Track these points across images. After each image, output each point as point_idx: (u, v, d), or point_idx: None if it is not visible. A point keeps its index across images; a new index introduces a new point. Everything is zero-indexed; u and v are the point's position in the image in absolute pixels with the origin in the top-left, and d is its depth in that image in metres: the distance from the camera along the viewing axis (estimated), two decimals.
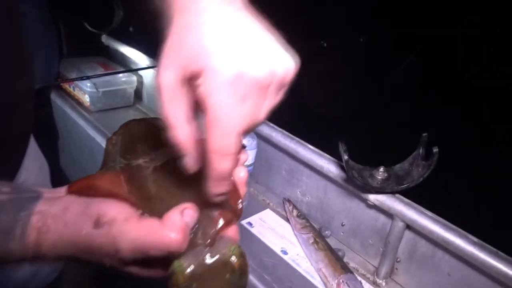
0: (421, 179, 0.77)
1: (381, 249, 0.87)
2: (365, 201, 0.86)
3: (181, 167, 0.37)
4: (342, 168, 0.88)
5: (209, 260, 0.36)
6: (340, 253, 0.91)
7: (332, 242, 0.94)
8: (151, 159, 0.43)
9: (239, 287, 0.37)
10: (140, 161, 0.42)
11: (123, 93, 1.53)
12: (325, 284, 0.84)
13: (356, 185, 0.84)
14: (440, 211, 0.77)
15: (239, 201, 0.41)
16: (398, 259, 0.85)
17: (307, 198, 1.03)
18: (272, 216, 1.04)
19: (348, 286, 0.80)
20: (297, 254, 0.92)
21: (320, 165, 0.93)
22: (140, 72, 1.54)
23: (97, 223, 0.35)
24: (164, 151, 0.43)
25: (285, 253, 0.92)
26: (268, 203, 1.08)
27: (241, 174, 0.42)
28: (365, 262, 0.92)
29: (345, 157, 0.78)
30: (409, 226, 0.80)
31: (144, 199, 0.39)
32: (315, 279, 0.86)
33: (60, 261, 0.38)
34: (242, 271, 0.37)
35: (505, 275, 0.66)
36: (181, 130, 0.36)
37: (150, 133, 0.45)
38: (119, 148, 0.44)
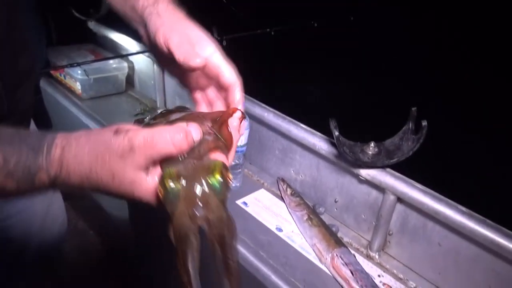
0: (411, 153, 0.79)
1: (373, 223, 0.89)
2: (357, 176, 0.88)
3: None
4: (333, 145, 0.89)
5: (193, 168, 0.41)
6: (334, 229, 0.93)
7: (326, 218, 0.96)
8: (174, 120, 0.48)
9: (220, 193, 0.40)
10: (164, 121, 0.48)
11: (115, 80, 1.52)
12: (319, 259, 0.86)
13: (348, 160, 0.85)
14: (430, 184, 0.79)
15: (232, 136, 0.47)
16: (390, 232, 0.87)
17: (300, 177, 1.04)
18: (266, 195, 1.05)
19: (342, 259, 0.82)
20: (292, 231, 0.94)
21: (312, 143, 0.94)
22: (131, 58, 1.53)
23: (116, 132, 0.41)
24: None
25: (280, 230, 0.94)
26: (263, 183, 1.10)
27: (234, 124, 0.48)
28: (358, 237, 0.94)
29: (336, 133, 0.79)
30: (400, 199, 0.82)
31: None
32: (310, 254, 0.88)
33: (80, 181, 0.41)
34: (223, 178, 0.40)
35: (492, 241, 0.68)
36: None
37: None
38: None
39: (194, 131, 0.43)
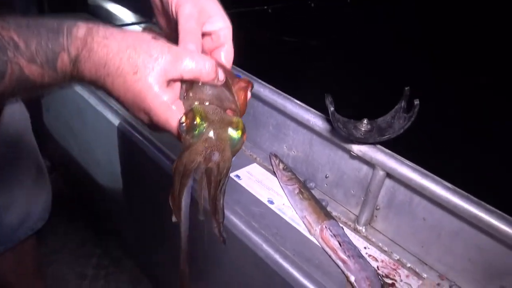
0: (402, 130, 0.81)
1: (362, 198, 0.92)
2: (348, 152, 0.90)
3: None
4: (327, 121, 0.92)
5: (220, 116, 0.44)
6: (323, 203, 0.96)
7: (316, 193, 0.99)
8: None
9: (235, 146, 0.44)
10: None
11: None
12: (309, 230, 0.89)
13: (341, 136, 0.88)
14: (418, 161, 0.82)
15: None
16: (378, 207, 0.90)
17: (293, 153, 1.06)
18: (259, 170, 1.07)
19: (331, 231, 0.85)
20: (283, 204, 0.97)
21: (306, 119, 0.96)
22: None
23: (155, 38, 0.42)
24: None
25: (271, 202, 0.96)
26: (255, 158, 1.12)
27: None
28: (347, 211, 0.97)
29: (331, 108, 0.81)
30: (389, 175, 0.85)
31: None
32: (300, 226, 0.91)
33: (97, 64, 0.41)
34: (242, 135, 0.44)
35: (475, 216, 0.72)
36: None
37: None
38: None
39: (220, 72, 0.45)
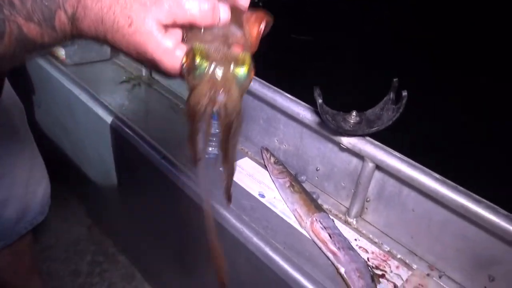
0: (390, 122, 0.81)
1: (352, 190, 0.92)
2: (338, 144, 0.90)
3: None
4: (317, 114, 0.92)
5: (223, 53, 0.41)
6: (314, 196, 0.96)
7: (307, 186, 0.99)
8: None
9: (242, 84, 0.41)
10: None
11: (99, 46, 1.49)
12: (299, 223, 0.89)
13: (330, 129, 0.88)
14: (407, 152, 0.82)
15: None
16: (368, 199, 0.91)
17: (284, 146, 1.06)
18: (250, 163, 1.08)
19: (321, 223, 0.86)
20: (274, 197, 0.97)
21: (296, 112, 0.96)
22: None
23: None
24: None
25: (262, 196, 0.97)
26: (247, 152, 1.12)
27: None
28: (337, 204, 0.97)
29: (319, 101, 0.81)
30: (379, 167, 0.85)
31: None
32: (291, 219, 0.91)
33: (94, 22, 0.40)
34: (248, 71, 0.41)
35: (462, 206, 0.72)
36: None
37: None
38: None
39: (222, 9, 0.42)
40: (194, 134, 0.42)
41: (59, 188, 1.79)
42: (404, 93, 0.79)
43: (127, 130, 1.13)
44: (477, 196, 0.72)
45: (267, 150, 1.07)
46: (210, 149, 1.13)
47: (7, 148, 0.85)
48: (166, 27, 0.40)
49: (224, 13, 0.42)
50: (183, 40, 0.42)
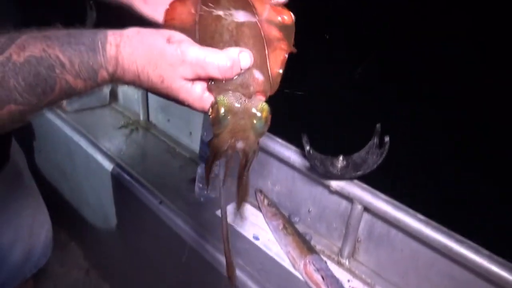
0: (375, 166, 0.86)
1: (343, 231, 0.95)
2: (327, 187, 0.94)
3: (254, 36, 0.49)
4: (307, 157, 0.96)
5: (244, 105, 0.46)
6: (307, 237, 0.99)
7: (300, 227, 1.02)
8: (231, 14, 0.51)
9: (260, 132, 0.47)
10: (221, 12, 0.51)
11: (99, 93, 1.56)
12: (293, 265, 0.92)
13: (319, 173, 0.92)
14: (393, 193, 0.86)
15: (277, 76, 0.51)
16: (359, 239, 0.94)
17: (277, 188, 1.10)
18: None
19: (314, 265, 0.88)
20: (268, 239, 0.99)
21: (287, 156, 1.00)
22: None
23: (169, 40, 0.46)
24: (246, 12, 0.51)
25: (256, 238, 0.99)
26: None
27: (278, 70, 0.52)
28: (330, 244, 1.00)
29: (307, 147, 0.85)
30: (367, 209, 0.88)
31: (211, 42, 0.48)
32: (284, 261, 0.93)
33: (132, 79, 0.47)
34: (266, 121, 0.47)
35: (445, 246, 0.75)
36: None
37: None
38: None
39: (244, 60, 0.47)
40: (212, 163, 0.48)
41: (57, 231, 1.81)
42: (387, 139, 0.83)
43: (127, 177, 1.17)
44: (459, 236, 0.76)
45: (261, 192, 1.11)
46: (205, 192, 1.16)
47: (14, 193, 0.89)
48: (193, 79, 0.47)
49: (246, 61, 0.47)
50: (208, 85, 0.48)
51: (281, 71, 0.51)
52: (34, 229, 0.95)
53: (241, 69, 0.47)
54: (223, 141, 0.46)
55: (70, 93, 0.45)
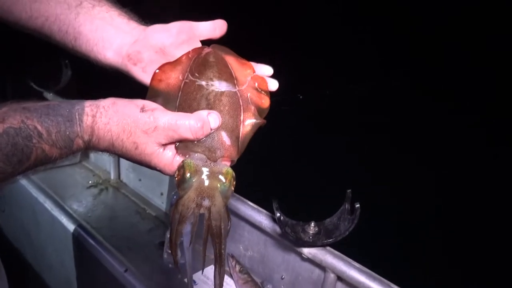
0: (347, 232, 0.84)
1: None
2: (300, 254, 0.91)
3: (230, 104, 0.52)
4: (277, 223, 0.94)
5: (210, 168, 0.50)
6: None
7: None
8: (212, 85, 0.54)
9: (225, 195, 0.49)
10: (203, 82, 0.54)
11: None
12: None
13: (290, 240, 0.89)
14: (366, 260, 0.84)
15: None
16: None
17: (249, 253, 1.06)
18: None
19: None
20: None
21: (259, 221, 0.98)
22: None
23: (143, 109, 0.49)
24: (227, 82, 0.55)
25: None
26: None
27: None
28: None
29: (277, 214, 0.84)
30: (340, 278, 0.85)
31: (188, 110, 0.51)
32: None
33: (107, 146, 0.49)
34: (230, 185, 0.49)
35: None
36: None
37: (222, 62, 0.57)
38: (191, 64, 0.56)
39: (213, 121, 0.50)
40: (177, 236, 0.49)
41: None
42: (357, 205, 0.83)
43: (89, 240, 1.11)
44: None
45: (232, 257, 1.07)
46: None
47: None
48: (165, 144, 0.50)
49: (215, 124, 0.50)
50: (176, 146, 0.50)
51: (250, 134, 0.53)
52: None
53: (211, 129, 0.50)
54: (189, 200, 0.48)
55: (45, 161, 0.47)
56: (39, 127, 0.45)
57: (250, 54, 0.59)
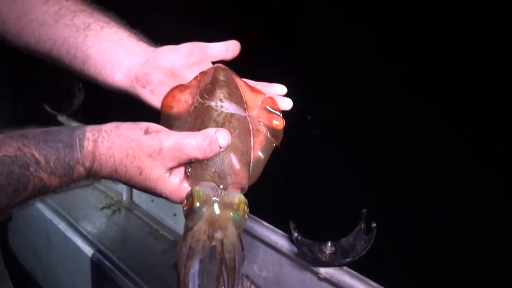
0: (364, 252, 0.85)
1: None
2: (316, 274, 0.92)
3: (240, 128, 0.50)
4: (294, 242, 0.94)
5: (221, 197, 0.45)
6: None
7: None
8: (222, 106, 0.52)
9: (239, 225, 0.45)
10: (213, 103, 0.52)
11: None
12: None
13: (307, 260, 0.90)
14: (387, 277, 0.84)
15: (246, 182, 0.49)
16: None
17: (264, 273, 1.06)
18: None
19: None
20: None
21: (274, 241, 0.98)
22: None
23: (146, 131, 0.46)
24: (237, 104, 0.52)
25: None
26: None
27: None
28: None
29: (295, 234, 0.84)
30: None
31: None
32: None
33: (110, 173, 0.46)
34: (243, 214, 0.46)
35: None
36: None
37: (232, 83, 0.55)
38: (201, 86, 0.54)
39: (221, 138, 0.47)
40: (185, 275, 0.43)
41: None
42: (374, 225, 0.84)
43: (108, 264, 1.11)
44: None
45: (247, 277, 1.07)
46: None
47: None
48: (172, 168, 0.47)
49: (224, 139, 0.47)
50: (186, 172, 0.48)
51: (263, 159, 0.51)
52: None
53: (220, 147, 0.47)
54: (200, 231, 0.44)
55: (44, 191, 0.45)
56: (36, 155, 0.43)
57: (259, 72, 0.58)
